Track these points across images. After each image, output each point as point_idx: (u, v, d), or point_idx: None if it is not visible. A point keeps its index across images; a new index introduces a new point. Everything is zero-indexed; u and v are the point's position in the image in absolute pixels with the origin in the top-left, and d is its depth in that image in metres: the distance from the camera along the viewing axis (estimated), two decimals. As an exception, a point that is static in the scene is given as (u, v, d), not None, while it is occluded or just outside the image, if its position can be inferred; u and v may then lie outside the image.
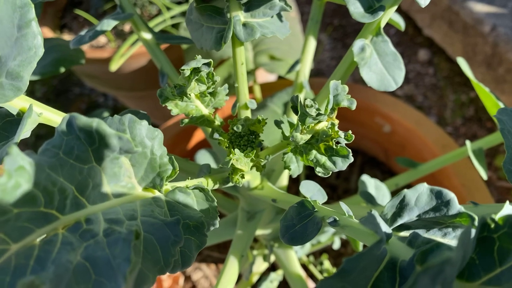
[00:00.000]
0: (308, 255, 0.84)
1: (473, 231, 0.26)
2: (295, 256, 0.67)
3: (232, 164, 0.39)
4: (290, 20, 1.13)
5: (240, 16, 0.44)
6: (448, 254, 0.20)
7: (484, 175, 0.63)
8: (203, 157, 0.77)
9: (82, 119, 0.29)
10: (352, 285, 0.25)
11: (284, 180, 0.67)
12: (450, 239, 0.32)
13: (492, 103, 0.65)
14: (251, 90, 1.02)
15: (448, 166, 0.83)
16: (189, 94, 0.40)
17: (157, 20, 1.24)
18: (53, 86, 1.99)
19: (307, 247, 0.76)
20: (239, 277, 0.84)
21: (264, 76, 1.28)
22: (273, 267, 0.84)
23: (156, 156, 0.34)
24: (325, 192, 1.04)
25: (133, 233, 0.26)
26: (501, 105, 0.64)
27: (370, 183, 0.62)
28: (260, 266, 0.76)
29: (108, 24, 0.54)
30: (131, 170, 0.34)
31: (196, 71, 0.38)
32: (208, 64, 0.37)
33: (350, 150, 0.38)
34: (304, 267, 0.84)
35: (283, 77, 1.06)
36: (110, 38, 1.30)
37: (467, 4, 1.47)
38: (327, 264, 0.76)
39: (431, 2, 1.62)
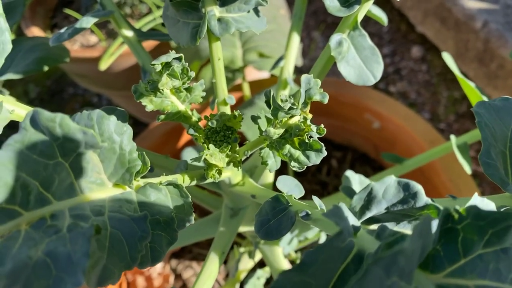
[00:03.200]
0: (296, 251, 0.84)
1: (436, 223, 0.26)
2: (281, 253, 0.67)
3: (206, 159, 0.39)
4: (280, 17, 1.12)
5: (215, 11, 0.44)
6: (402, 245, 0.20)
7: (468, 169, 0.63)
8: (189, 155, 0.77)
9: (45, 114, 0.29)
10: (313, 279, 0.25)
11: (269, 176, 0.67)
12: (420, 231, 0.32)
13: (476, 97, 0.65)
14: (240, 87, 1.02)
15: (437, 161, 0.83)
16: (162, 90, 0.39)
17: (147, 19, 1.23)
18: (47, 86, 1.99)
19: (295, 243, 0.76)
20: (227, 275, 0.84)
21: (256, 74, 1.28)
22: (261, 264, 0.84)
23: (125, 152, 0.34)
24: (316, 189, 1.03)
25: (93, 227, 0.26)
26: (485, 99, 0.64)
27: (354, 179, 0.62)
28: (248, 263, 0.76)
29: (87, 21, 0.54)
30: (100, 165, 0.34)
31: (167, 65, 0.38)
32: (179, 59, 0.37)
33: (323, 144, 0.38)
34: (293, 263, 0.84)
35: (274, 74, 1.06)
36: (100, 37, 1.29)
37: (459, 1, 1.47)
38: (314, 260, 0.76)
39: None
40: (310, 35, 1.89)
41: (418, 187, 0.29)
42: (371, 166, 1.07)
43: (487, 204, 0.30)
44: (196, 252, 0.99)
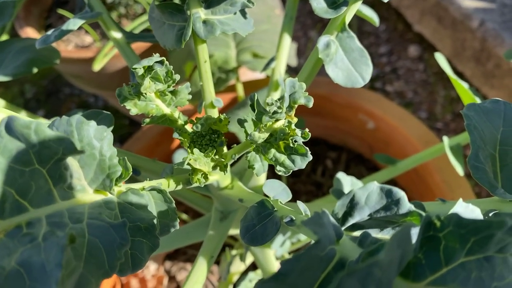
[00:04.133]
0: (290, 253, 0.83)
1: (417, 231, 0.26)
2: (272, 255, 0.66)
3: (189, 164, 0.39)
4: (275, 17, 1.12)
5: (200, 13, 0.43)
6: (377, 256, 0.19)
7: (460, 171, 0.62)
8: (181, 157, 0.76)
9: (20, 121, 0.28)
10: (291, 288, 0.24)
11: (260, 179, 0.66)
12: (405, 238, 0.31)
13: (469, 99, 0.65)
14: (234, 88, 1.01)
15: (431, 162, 0.83)
16: (145, 94, 0.39)
17: (141, 19, 1.23)
18: (43, 86, 1.98)
19: (287, 245, 0.75)
20: (220, 278, 0.83)
21: (251, 74, 1.27)
22: (254, 266, 0.83)
23: (105, 157, 0.33)
24: (311, 190, 1.03)
25: (67, 237, 0.26)
26: (478, 100, 0.64)
27: (346, 181, 0.61)
28: (240, 265, 0.75)
29: (74, 23, 0.54)
30: (80, 171, 0.33)
31: (150, 69, 0.37)
32: (161, 62, 0.37)
33: (307, 148, 0.37)
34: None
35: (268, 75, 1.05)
36: (95, 37, 1.29)
37: (456, 0, 1.46)
38: (307, 263, 0.75)
39: (420, -2, 1.61)
40: (307, 35, 1.89)
41: (401, 194, 0.29)
42: (366, 167, 1.07)
43: (471, 210, 0.30)
44: (190, 254, 0.99)
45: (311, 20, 1.94)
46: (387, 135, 0.94)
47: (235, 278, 0.75)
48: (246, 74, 1.22)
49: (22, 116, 0.31)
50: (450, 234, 0.26)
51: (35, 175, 0.30)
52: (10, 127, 0.29)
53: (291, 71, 1.71)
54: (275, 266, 0.65)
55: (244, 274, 0.76)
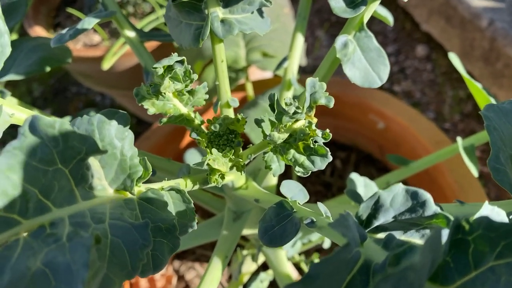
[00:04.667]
0: (300, 254, 0.83)
1: (446, 233, 0.25)
2: (284, 256, 0.66)
3: (209, 164, 0.38)
4: (284, 16, 1.11)
5: (218, 12, 0.43)
6: (412, 260, 0.19)
7: (475, 172, 0.62)
8: (192, 156, 0.76)
9: (45, 120, 0.28)
10: (319, 291, 0.24)
11: (273, 179, 0.66)
12: (429, 240, 0.31)
13: (483, 99, 0.64)
14: (243, 87, 1.01)
15: (442, 163, 0.82)
16: (164, 93, 0.39)
17: (150, 18, 1.23)
18: (50, 85, 1.99)
19: (298, 246, 0.75)
20: (230, 277, 0.83)
21: (260, 73, 1.27)
22: (265, 267, 0.83)
23: (126, 157, 0.33)
24: (320, 190, 1.02)
25: (92, 237, 0.26)
26: (493, 101, 0.63)
27: (359, 182, 0.61)
28: (251, 265, 0.75)
29: (89, 22, 0.53)
30: (101, 171, 0.33)
31: (169, 69, 0.37)
32: (181, 62, 0.36)
33: (328, 149, 0.37)
34: (297, 266, 0.83)
35: (278, 74, 1.05)
36: (103, 36, 1.29)
37: (465, -1, 1.45)
38: (318, 263, 0.75)
39: (429, -3, 1.60)
40: (314, 34, 1.88)
41: (427, 196, 0.29)
42: (376, 167, 1.06)
43: (497, 213, 0.30)
44: (199, 253, 0.99)
45: (318, 19, 1.93)
46: (398, 135, 0.93)
47: (245, 278, 0.75)
48: (255, 73, 1.22)
49: (46, 115, 0.30)
50: (480, 238, 0.25)
51: (57, 175, 0.30)
52: (34, 126, 0.29)
53: (300, 70, 1.70)
54: (287, 266, 0.64)
55: (255, 274, 0.75)
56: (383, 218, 0.30)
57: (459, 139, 0.65)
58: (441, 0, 1.54)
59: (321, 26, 1.90)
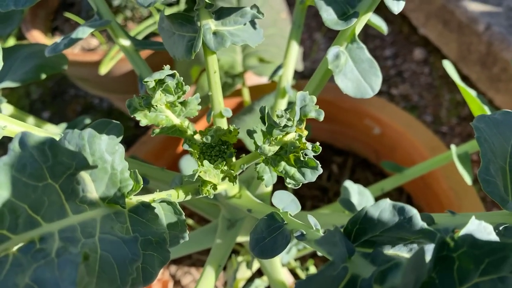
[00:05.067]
0: (296, 259, 0.83)
1: (431, 248, 0.26)
2: (279, 263, 0.66)
3: (200, 176, 0.39)
4: (281, 21, 1.12)
5: (210, 24, 0.43)
6: (393, 282, 0.19)
7: (468, 180, 0.62)
8: (188, 163, 0.76)
9: (34, 137, 0.29)
10: (305, 308, 0.24)
11: (268, 187, 0.66)
12: (416, 254, 0.31)
13: (477, 107, 0.64)
14: (239, 93, 1.01)
15: (438, 169, 0.83)
16: (155, 105, 0.39)
17: (147, 22, 1.23)
18: (48, 88, 1.99)
19: (294, 252, 0.75)
20: (225, 283, 0.83)
21: (256, 79, 1.27)
22: (260, 273, 0.83)
23: (117, 171, 0.33)
24: (316, 195, 1.02)
25: (81, 254, 0.26)
26: (486, 109, 0.63)
27: (353, 189, 0.61)
28: (246, 272, 0.75)
29: (84, 31, 0.54)
30: (92, 185, 0.33)
31: (161, 82, 0.37)
32: (172, 75, 0.37)
33: (318, 162, 0.37)
34: (293, 272, 0.83)
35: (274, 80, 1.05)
36: (101, 40, 1.29)
37: (462, 3, 1.45)
38: (312, 269, 0.75)
39: (426, 1, 1.61)
40: (312, 37, 1.88)
41: (413, 212, 0.29)
42: (372, 172, 1.07)
43: (484, 228, 0.30)
44: (196, 258, 0.99)
45: (316, 22, 1.94)
46: (393, 140, 0.94)
47: (241, 284, 0.75)
48: (251, 79, 1.22)
49: (36, 131, 0.31)
50: (464, 255, 0.26)
51: (47, 190, 0.30)
52: (24, 142, 0.29)
53: (297, 75, 1.71)
54: (281, 273, 0.65)
55: (250, 280, 0.76)
56: (371, 233, 0.30)
57: (453, 146, 0.66)
58: (438, 4, 1.55)
59: (319, 29, 1.90)
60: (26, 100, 1.96)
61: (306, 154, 0.37)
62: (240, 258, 0.74)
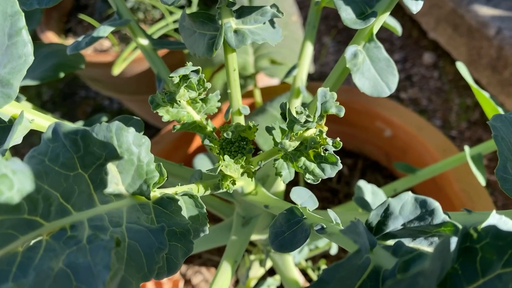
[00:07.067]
0: (307, 260, 0.84)
1: (454, 241, 0.26)
2: (291, 262, 0.67)
3: (221, 170, 0.39)
4: (292, 24, 1.13)
5: (231, 23, 0.44)
6: (422, 266, 0.20)
7: (482, 181, 0.62)
8: (201, 162, 0.77)
9: (67, 127, 0.30)
10: (331, 295, 0.25)
11: (281, 185, 0.67)
12: (437, 248, 0.31)
13: (491, 109, 0.65)
14: (251, 94, 1.02)
15: (449, 171, 0.83)
16: (179, 101, 0.40)
17: (160, 24, 1.24)
18: (59, 89, 2.01)
19: (305, 252, 0.75)
20: (237, 281, 0.84)
21: (267, 80, 1.28)
22: (272, 272, 0.84)
23: (143, 163, 0.34)
24: (327, 197, 1.03)
25: (113, 240, 0.27)
26: (500, 111, 0.64)
27: (367, 189, 0.62)
28: (258, 270, 0.76)
29: (105, 30, 0.55)
30: (119, 176, 0.34)
31: (185, 78, 0.38)
32: (197, 71, 0.38)
33: (338, 157, 0.38)
34: (304, 272, 0.83)
35: (285, 81, 1.06)
36: (113, 42, 1.31)
37: (472, 7, 1.46)
38: (325, 269, 0.75)
39: (436, 5, 1.61)
40: (321, 41, 1.89)
41: (435, 205, 0.29)
42: (382, 174, 1.07)
43: (505, 222, 0.30)
44: (206, 258, 1.00)
45: (325, 26, 1.95)
46: (405, 143, 0.94)
47: (253, 283, 0.76)
48: (263, 80, 1.23)
49: (68, 123, 0.32)
50: (488, 246, 0.26)
51: (78, 180, 0.31)
52: (57, 133, 0.30)
53: (307, 77, 1.72)
54: (294, 271, 0.65)
55: (262, 279, 0.76)
56: (393, 226, 0.31)
57: (466, 147, 0.66)
58: (448, 9, 1.55)
59: (328, 32, 1.91)
60: (37, 101, 1.99)
61: (326, 150, 0.38)
62: (252, 257, 0.75)
